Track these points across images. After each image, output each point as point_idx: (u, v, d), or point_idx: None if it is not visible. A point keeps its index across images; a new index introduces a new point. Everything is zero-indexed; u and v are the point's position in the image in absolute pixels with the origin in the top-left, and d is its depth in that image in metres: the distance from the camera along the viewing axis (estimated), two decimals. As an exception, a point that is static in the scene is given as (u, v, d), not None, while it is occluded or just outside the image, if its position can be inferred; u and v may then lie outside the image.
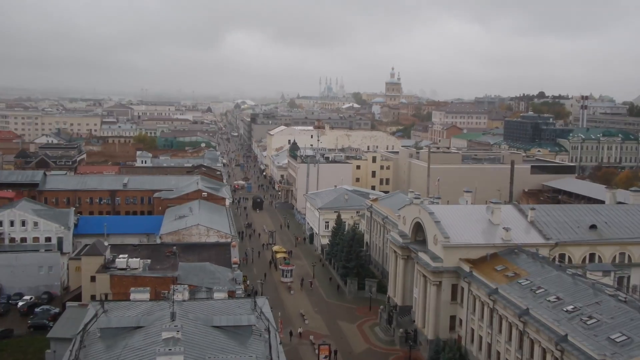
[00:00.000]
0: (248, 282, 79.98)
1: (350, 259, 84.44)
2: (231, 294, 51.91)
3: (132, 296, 42.87)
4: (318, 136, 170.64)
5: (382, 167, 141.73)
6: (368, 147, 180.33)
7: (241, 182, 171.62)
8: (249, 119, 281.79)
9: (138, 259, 64.11)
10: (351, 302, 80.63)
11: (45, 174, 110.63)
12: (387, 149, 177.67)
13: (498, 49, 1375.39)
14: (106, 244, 68.63)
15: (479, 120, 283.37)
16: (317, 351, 61.54)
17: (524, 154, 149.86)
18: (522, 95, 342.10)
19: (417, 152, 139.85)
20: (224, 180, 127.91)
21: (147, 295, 43.08)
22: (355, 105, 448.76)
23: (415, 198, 72.58)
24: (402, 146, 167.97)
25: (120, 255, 65.19)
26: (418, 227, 68.34)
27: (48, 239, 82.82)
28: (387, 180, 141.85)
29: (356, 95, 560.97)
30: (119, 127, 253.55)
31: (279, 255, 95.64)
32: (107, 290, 58.64)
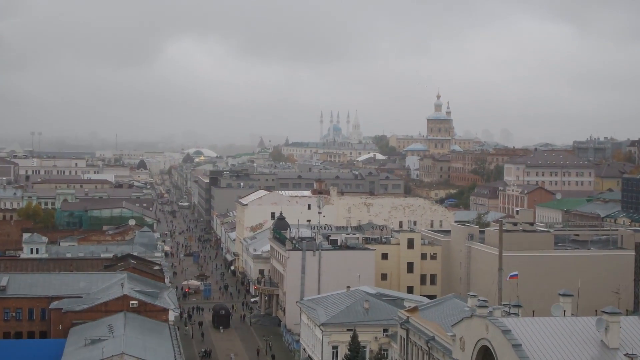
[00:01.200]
0: None
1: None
2: None
3: None
4: (320, 206, 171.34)
5: (424, 257, 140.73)
6: (401, 223, 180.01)
7: (195, 283, 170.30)
8: (207, 180, 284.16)
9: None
10: None
11: None
12: (431, 226, 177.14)
13: (603, 62, 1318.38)
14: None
15: (582, 179, 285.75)
16: None
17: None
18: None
19: (482, 232, 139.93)
20: (167, 280, 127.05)
21: None
22: (379, 156, 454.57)
23: (480, 306, 72.11)
24: (455, 222, 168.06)
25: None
26: (486, 355, 67.43)
27: None
28: (433, 278, 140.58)
29: (380, 139, 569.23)
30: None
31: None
32: None
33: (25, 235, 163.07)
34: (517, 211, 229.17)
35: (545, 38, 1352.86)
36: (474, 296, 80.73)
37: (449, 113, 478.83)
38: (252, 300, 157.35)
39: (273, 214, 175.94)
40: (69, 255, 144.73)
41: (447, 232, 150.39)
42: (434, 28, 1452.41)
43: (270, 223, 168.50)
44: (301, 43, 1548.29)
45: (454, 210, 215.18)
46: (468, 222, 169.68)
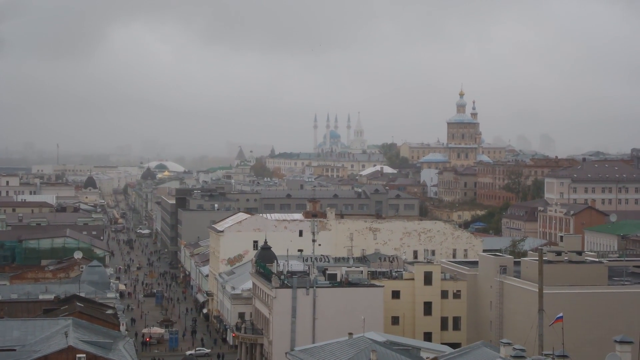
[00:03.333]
0: None
1: None
2: None
3: None
4: (314, 233, 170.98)
5: (445, 295, 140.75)
6: (416, 253, 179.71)
7: (158, 331, 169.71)
8: (173, 202, 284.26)
9: None
10: None
11: None
12: (453, 256, 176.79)
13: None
14: None
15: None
16: None
17: None
18: None
19: (517, 263, 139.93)
20: (123, 328, 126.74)
21: None
22: (388, 170, 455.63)
23: (517, 357, 72.03)
24: (484, 251, 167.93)
25: None
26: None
27: None
28: (457, 321, 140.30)
29: (388, 148, 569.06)
30: None
31: None
32: None
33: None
34: (562, 237, 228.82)
35: (589, 20, 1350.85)
36: (508, 344, 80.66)
37: (474, 115, 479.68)
38: (231, 350, 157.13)
39: (256, 242, 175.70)
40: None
41: (474, 263, 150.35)
42: (448, 9, 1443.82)
43: (252, 254, 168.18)
44: (283, 28, 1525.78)
45: (482, 236, 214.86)
46: (500, 251, 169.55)
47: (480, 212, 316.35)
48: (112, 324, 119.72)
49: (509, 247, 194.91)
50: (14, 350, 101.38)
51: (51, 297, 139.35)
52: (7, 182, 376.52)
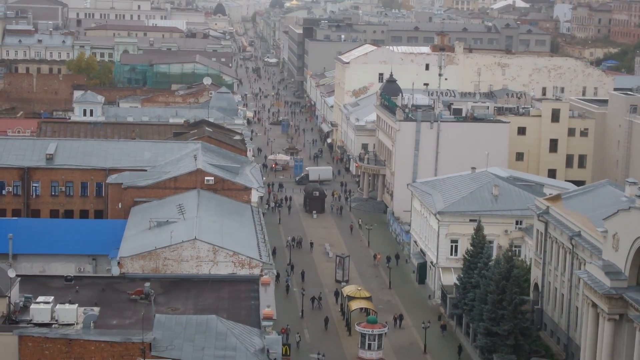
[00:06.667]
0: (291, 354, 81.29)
1: (501, 318, 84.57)
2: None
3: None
4: (441, 67, 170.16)
5: (571, 132, 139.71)
6: (544, 90, 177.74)
7: (284, 158, 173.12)
8: (300, 31, 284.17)
9: (75, 306, 66.13)
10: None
11: None
12: (583, 94, 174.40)
13: None
14: (11, 273, 71.03)
15: None
16: None
17: None
18: None
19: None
20: (249, 154, 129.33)
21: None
22: (520, 4, 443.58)
23: (641, 196, 71.59)
24: (615, 89, 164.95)
25: (40, 298, 67.39)
26: (645, 257, 67.33)
27: None
28: (582, 159, 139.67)
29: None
30: (39, 41, 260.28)
31: (355, 306, 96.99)
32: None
33: (77, 94, 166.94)
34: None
35: None
36: (634, 183, 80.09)
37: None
38: (354, 179, 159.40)
39: (381, 75, 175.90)
40: (130, 119, 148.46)
41: (604, 102, 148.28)
42: None
43: (377, 87, 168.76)
44: None
45: (614, 74, 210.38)
46: (631, 90, 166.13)
47: (613, 50, 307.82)
48: (239, 150, 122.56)
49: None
50: (145, 170, 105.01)
51: (181, 121, 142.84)
52: (139, 6, 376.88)
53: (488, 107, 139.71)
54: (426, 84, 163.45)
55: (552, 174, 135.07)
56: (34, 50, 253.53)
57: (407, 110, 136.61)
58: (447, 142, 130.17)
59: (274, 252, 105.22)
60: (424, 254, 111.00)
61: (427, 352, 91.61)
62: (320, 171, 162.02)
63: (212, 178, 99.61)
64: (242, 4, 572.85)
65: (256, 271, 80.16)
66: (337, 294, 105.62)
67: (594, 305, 71.69)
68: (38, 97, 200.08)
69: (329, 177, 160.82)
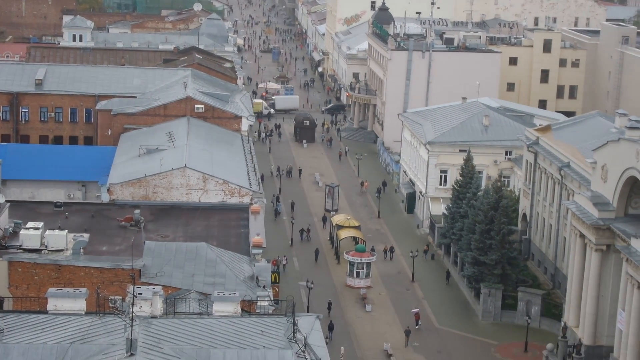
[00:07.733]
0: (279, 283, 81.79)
1: (489, 248, 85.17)
2: (248, 307, 53.10)
3: (51, 304, 44.56)
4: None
5: (563, 63, 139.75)
6: (536, 20, 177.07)
7: (274, 86, 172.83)
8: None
9: (64, 232, 66.35)
10: (488, 332, 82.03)
11: None
12: (575, 25, 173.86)
13: None
14: (0, 199, 71.09)
15: None
16: None
17: None
18: None
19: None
20: (239, 82, 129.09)
21: (81, 304, 44.74)
22: None
23: (632, 128, 71.55)
24: (607, 20, 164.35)
25: (30, 224, 67.57)
26: (634, 187, 67.58)
27: None
28: (573, 90, 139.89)
29: None
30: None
31: (344, 234, 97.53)
32: (3, 292, 61.26)
33: (66, 18, 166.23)
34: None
35: None
36: (624, 115, 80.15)
37: None
38: (344, 108, 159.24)
39: (373, 3, 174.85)
40: (120, 45, 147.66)
41: (596, 33, 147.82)
42: None
43: (369, 15, 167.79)
44: None
45: (606, 5, 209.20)
46: (623, 21, 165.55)
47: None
48: (229, 78, 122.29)
49: (634, 17, 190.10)
50: (135, 97, 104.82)
51: (171, 47, 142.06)
52: None
53: (480, 37, 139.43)
54: (418, 13, 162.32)
55: (542, 104, 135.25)
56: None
57: (398, 39, 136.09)
58: (439, 72, 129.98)
59: (262, 179, 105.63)
60: (413, 184, 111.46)
61: (414, 280, 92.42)
62: (286, 100, 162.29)
63: (202, 106, 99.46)
64: None
65: (246, 199, 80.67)
66: (324, 219, 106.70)
67: (582, 236, 72.24)
68: (27, 21, 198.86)
69: (296, 107, 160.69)
